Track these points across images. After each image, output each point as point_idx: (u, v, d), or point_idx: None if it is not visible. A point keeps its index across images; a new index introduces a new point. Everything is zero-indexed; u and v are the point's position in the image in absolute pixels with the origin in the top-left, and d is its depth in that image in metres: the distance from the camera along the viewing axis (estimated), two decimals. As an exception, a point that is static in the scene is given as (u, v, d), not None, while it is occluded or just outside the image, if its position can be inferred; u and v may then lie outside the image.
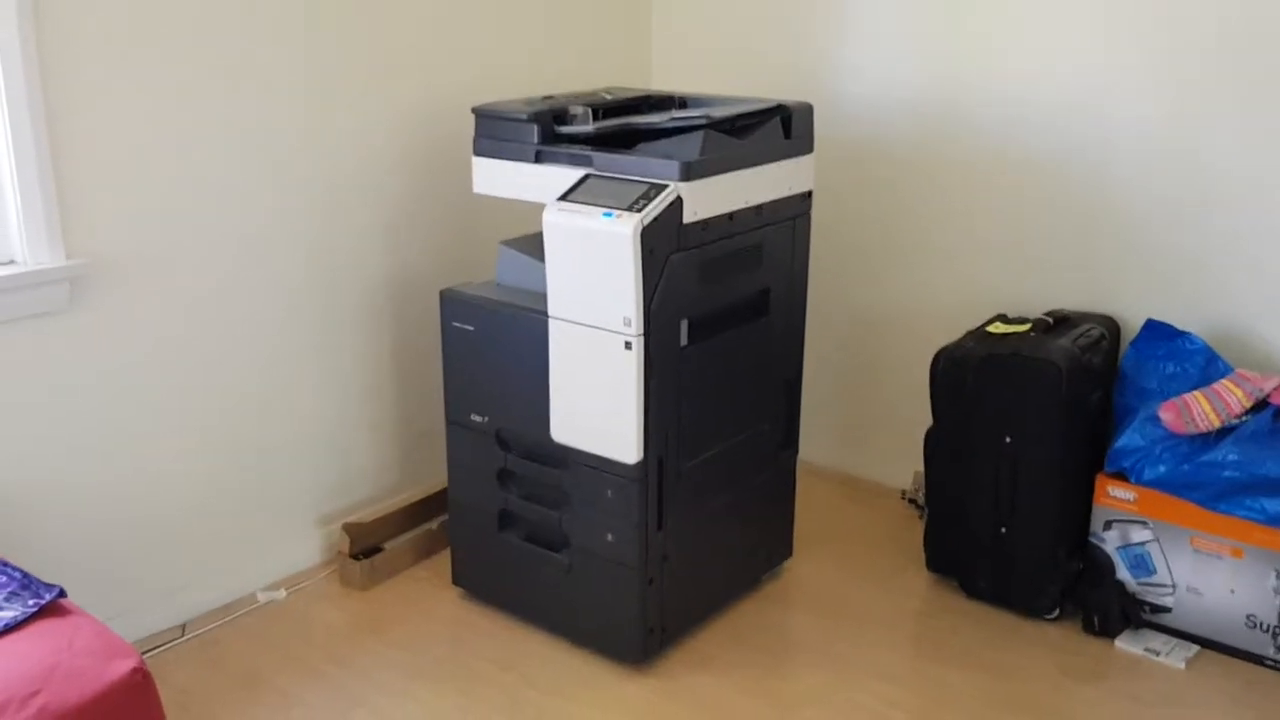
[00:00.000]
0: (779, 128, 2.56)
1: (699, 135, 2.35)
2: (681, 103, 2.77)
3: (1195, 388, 2.62)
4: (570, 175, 2.42)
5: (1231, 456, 2.48)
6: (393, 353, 3.02)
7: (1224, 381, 2.59)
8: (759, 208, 2.51)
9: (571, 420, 2.45)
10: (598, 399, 2.38)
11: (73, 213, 2.30)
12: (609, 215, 2.26)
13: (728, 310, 2.53)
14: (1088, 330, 2.79)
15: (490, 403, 2.60)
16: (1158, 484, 2.59)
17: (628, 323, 2.29)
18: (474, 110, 2.59)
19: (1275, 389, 2.52)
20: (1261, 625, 2.56)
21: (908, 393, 3.25)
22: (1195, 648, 2.64)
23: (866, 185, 3.30)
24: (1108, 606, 2.70)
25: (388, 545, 2.93)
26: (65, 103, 2.25)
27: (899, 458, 3.38)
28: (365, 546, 2.89)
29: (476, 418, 2.63)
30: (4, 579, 1.75)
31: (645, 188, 2.29)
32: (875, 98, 3.23)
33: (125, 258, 2.42)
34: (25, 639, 1.61)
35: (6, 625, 1.62)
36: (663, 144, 2.40)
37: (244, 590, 2.79)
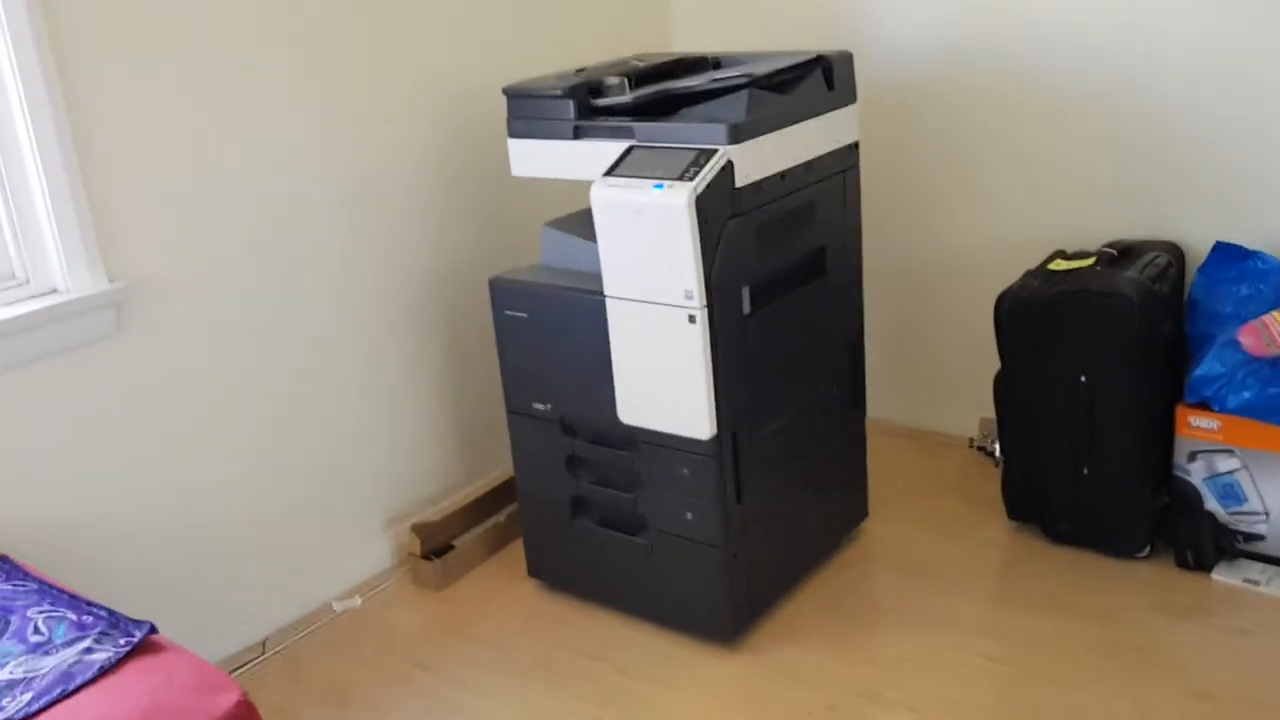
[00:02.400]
0: (821, 79, 2.47)
1: (743, 95, 2.26)
2: (716, 63, 2.68)
3: (1272, 308, 2.53)
4: (613, 149, 2.34)
5: (1321, 375, 2.40)
6: (443, 346, 2.96)
7: (1304, 298, 2.50)
8: (809, 164, 2.44)
9: (638, 400, 2.39)
10: (664, 376, 2.32)
11: (110, 235, 2.25)
12: (659, 187, 2.19)
13: (786, 273, 2.46)
14: (1154, 259, 2.70)
15: (551, 390, 2.54)
16: (1244, 410, 2.50)
17: (689, 296, 2.22)
18: (505, 91, 2.51)
19: (1360, 301, 2.42)
20: (1363, 545, 2.49)
21: (966, 339, 3.18)
22: (1295, 574, 2.57)
23: (906, 129, 3.21)
24: (1200, 540, 2.63)
25: (457, 542, 2.89)
26: (91, 121, 2.19)
27: (962, 406, 3.31)
28: (436, 545, 2.85)
29: (539, 406, 2.57)
30: (90, 619, 1.71)
31: (694, 155, 2.22)
32: (909, 37, 3.13)
33: (167, 275, 2.36)
34: (123, 680, 1.56)
35: (102, 668, 1.58)
36: (705, 107, 2.32)
37: (319, 601, 2.76)
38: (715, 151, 2.20)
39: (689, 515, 2.41)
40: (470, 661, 2.54)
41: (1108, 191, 2.94)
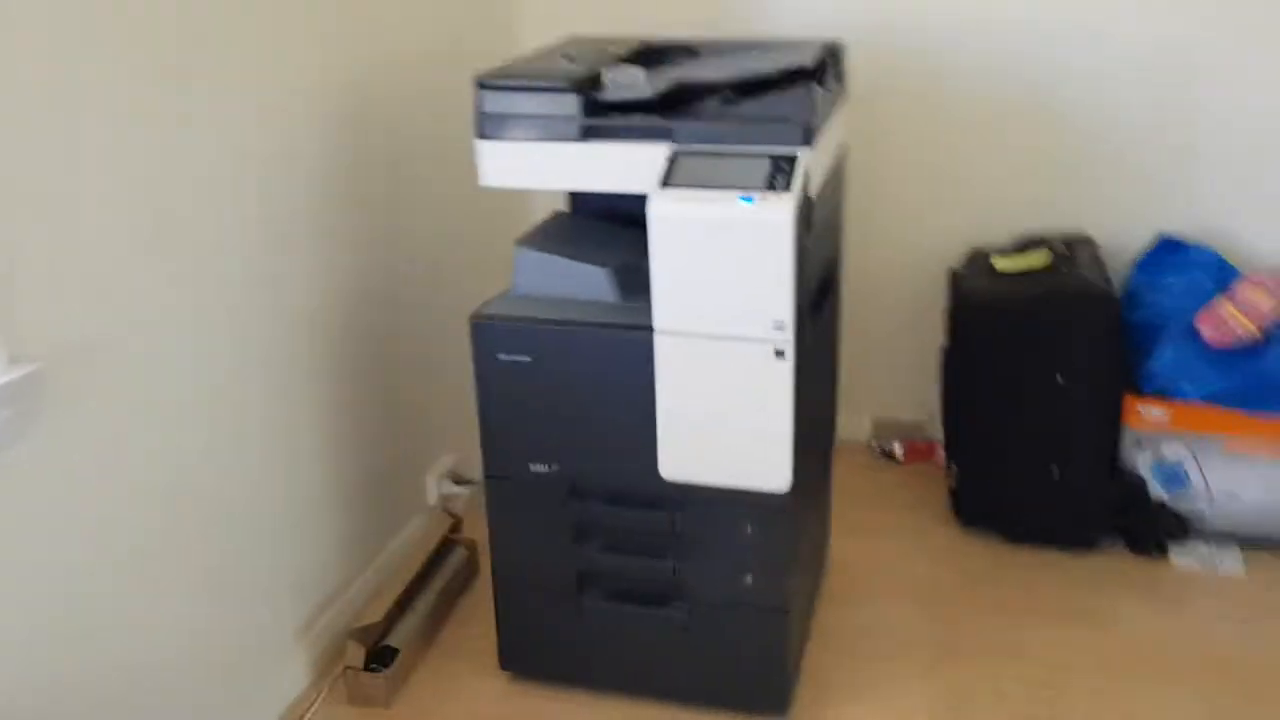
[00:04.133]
0: (836, 72, 2.21)
1: (807, 90, 1.95)
2: (693, 51, 2.33)
3: (1212, 298, 2.62)
4: (644, 154, 1.94)
5: (1289, 359, 2.51)
6: (337, 400, 2.36)
7: (1240, 288, 2.60)
8: (833, 167, 2.18)
9: (692, 452, 2.01)
10: (734, 422, 1.97)
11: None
12: (749, 199, 1.83)
13: (819, 291, 2.18)
14: (1094, 254, 2.72)
15: (559, 447, 2.09)
16: (1205, 399, 2.57)
17: (780, 326, 1.88)
18: (480, 82, 2.01)
19: (1303, 287, 2.56)
20: (1299, 514, 2.65)
21: (853, 343, 3.08)
22: (1237, 549, 2.69)
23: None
24: (1156, 526, 2.69)
25: (394, 639, 2.33)
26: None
27: (851, 409, 3.19)
28: (372, 649, 2.27)
29: (539, 468, 2.11)
30: None
31: (768, 161, 1.88)
32: (808, 24, 2.92)
33: (68, 356, 1.64)
34: None
35: None
36: (760, 104, 1.97)
37: (242, 750, 2.10)
38: (795, 157, 1.88)
39: (749, 579, 2.08)
40: (477, 793, 2.05)
41: (1015, 187, 2.93)
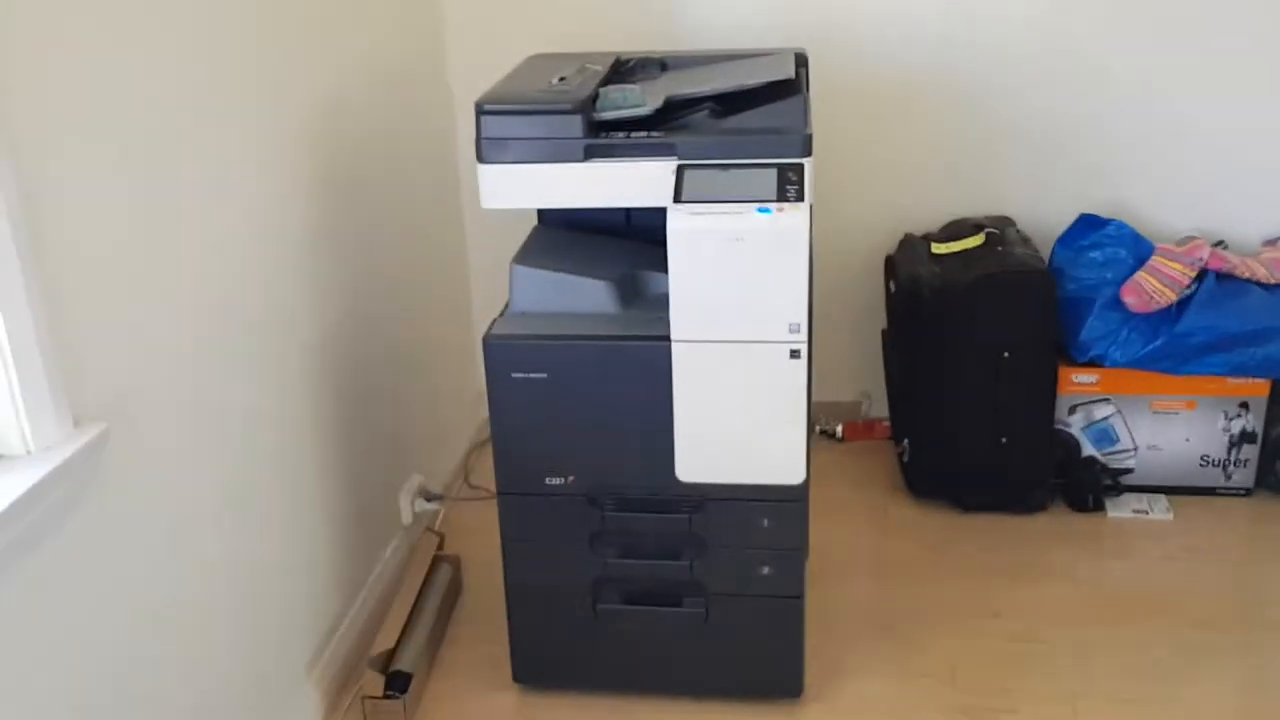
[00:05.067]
0: (805, 80, 2.31)
1: (798, 101, 2.04)
2: (662, 64, 2.38)
3: (1133, 271, 2.83)
4: (645, 170, 1.99)
5: (1201, 323, 2.74)
6: (328, 427, 2.33)
7: (1156, 259, 2.83)
8: (810, 171, 2.27)
9: (709, 454, 2.09)
10: (750, 422, 2.05)
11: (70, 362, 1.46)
12: (765, 210, 1.91)
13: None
14: (1019, 233, 2.91)
15: (575, 459, 2.13)
16: (1134, 363, 2.79)
17: (795, 329, 1.97)
18: (481, 107, 2.02)
19: (1211, 256, 2.80)
20: (1213, 462, 2.91)
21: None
22: (1162, 496, 2.94)
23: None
24: (1091, 483, 2.90)
25: (401, 663, 2.32)
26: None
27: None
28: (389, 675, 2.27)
29: (555, 480, 2.14)
30: None
31: (776, 171, 1.96)
32: (725, 27, 3.01)
33: (122, 412, 1.59)
34: None
35: None
36: (751, 116, 2.04)
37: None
38: (802, 166, 1.96)
39: (765, 570, 2.17)
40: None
41: (938, 174, 3.09)
